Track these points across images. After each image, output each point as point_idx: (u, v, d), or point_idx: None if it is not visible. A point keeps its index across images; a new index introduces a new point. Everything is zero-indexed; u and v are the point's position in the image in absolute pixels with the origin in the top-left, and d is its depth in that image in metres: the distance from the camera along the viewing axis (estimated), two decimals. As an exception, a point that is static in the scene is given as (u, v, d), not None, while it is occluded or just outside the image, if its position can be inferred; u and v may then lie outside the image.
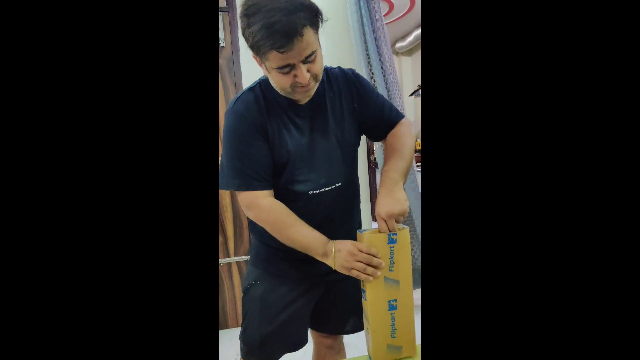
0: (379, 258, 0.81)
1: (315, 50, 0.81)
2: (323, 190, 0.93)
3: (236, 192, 0.92)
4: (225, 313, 2.06)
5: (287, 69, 0.80)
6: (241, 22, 0.80)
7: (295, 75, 0.81)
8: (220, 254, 2.02)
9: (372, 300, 0.85)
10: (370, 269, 0.81)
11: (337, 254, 0.84)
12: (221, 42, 2.01)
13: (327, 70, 0.99)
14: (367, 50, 1.97)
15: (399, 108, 2.09)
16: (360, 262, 0.81)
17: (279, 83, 0.84)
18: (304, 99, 0.90)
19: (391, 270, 0.84)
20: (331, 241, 0.85)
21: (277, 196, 0.92)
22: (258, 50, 0.79)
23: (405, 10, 3.90)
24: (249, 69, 2.01)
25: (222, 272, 2.04)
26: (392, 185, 0.87)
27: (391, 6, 3.73)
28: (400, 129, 1.00)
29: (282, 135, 0.90)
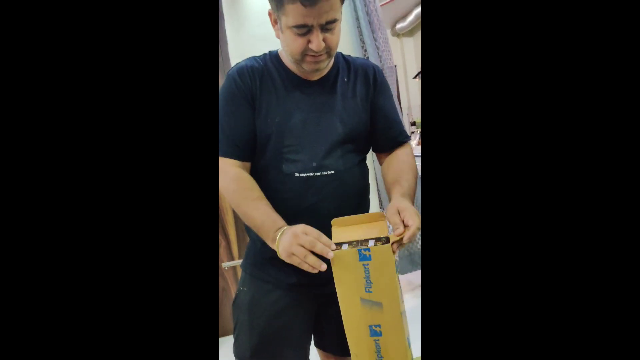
0: (327, 246, 0.71)
1: (336, 20, 0.77)
2: (312, 174, 0.84)
3: None
4: (233, 318, 2.01)
5: (304, 29, 0.76)
6: None
7: (309, 41, 0.77)
8: (224, 257, 1.96)
9: (348, 324, 0.74)
10: (311, 258, 0.70)
11: (281, 238, 0.75)
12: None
13: (346, 57, 0.94)
14: (361, 35, 1.88)
15: (399, 91, 2.01)
16: (302, 246, 0.71)
17: (291, 46, 0.80)
18: (311, 72, 0.84)
19: (369, 292, 0.72)
20: (286, 226, 0.77)
21: (263, 175, 0.86)
22: (279, 0, 0.76)
23: (404, -11, 3.75)
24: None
25: (228, 276, 1.99)
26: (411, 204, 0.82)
27: (388, -14, 3.58)
28: (410, 151, 0.97)
29: (271, 105, 0.85)
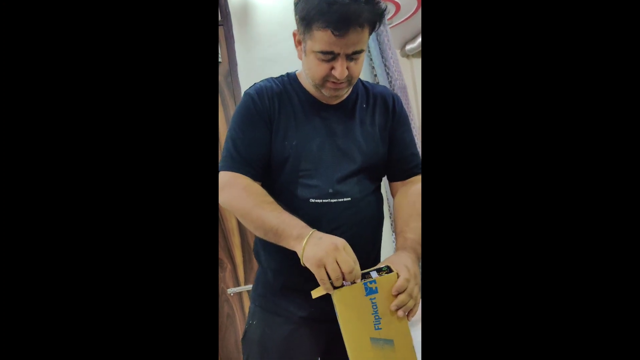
0: (355, 281, 0.68)
1: (362, 50, 0.76)
2: (327, 201, 0.81)
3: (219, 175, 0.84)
4: (238, 347, 1.93)
5: (329, 56, 0.75)
6: None
7: (333, 68, 0.76)
8: (229, 282, 1.90)
9: None
10: (340, 282, 0.67)
11: (315, 240, 0.68)
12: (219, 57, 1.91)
13: (365, 83, 0.93)
14: (369, 55, 1.87)
15: (408, 112, 1.97)
16: (338, 264, 0.66)
17: (313, 70, 0.79)
18: (330, 98, 0.84)
19: (378, 329, 0.66)
20: (315, 230, 0.71)
21: (276, 198, 0.82)
22: (308, 24, 0.73)
23: (413, 11, 3.76)
24: (248, 84, 1.90)
25: (233, 303, 1.92)
26: (416, 260, 0.78)
27: (397, 7, 3.59)
28: (420, 188, 0.92)
29: (289, 129, 0.82)
